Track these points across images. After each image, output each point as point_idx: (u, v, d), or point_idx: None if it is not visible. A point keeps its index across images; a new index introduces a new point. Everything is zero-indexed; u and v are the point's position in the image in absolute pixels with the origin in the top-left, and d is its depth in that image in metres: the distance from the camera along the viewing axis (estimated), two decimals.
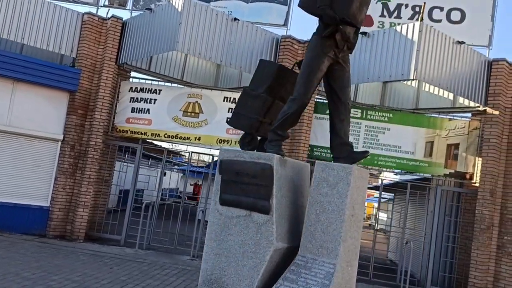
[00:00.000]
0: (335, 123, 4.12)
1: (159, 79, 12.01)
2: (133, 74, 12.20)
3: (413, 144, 10.60)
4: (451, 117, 10.85)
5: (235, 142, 10.77)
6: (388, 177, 14.01)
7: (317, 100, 11.02)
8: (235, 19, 10.09)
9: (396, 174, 14.01)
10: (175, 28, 9.43)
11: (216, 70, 13.02)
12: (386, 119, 10.76)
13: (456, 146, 10.52)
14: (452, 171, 10.51)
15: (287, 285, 3.33)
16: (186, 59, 12.64)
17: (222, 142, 10.91)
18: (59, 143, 10.85)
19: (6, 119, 10.38)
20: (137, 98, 11.34)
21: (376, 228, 11.63)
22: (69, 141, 10.84)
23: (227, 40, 9.95)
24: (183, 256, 10.38)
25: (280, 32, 11.46)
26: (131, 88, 11.44)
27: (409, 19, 11.34)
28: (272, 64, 4.60)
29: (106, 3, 12.03)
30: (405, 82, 12.33)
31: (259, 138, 4.47)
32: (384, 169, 11.17)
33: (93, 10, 11.96)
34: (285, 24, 11.55)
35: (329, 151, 10.06)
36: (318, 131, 10.81)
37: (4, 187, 10.28)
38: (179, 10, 9.36)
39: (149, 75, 12.20)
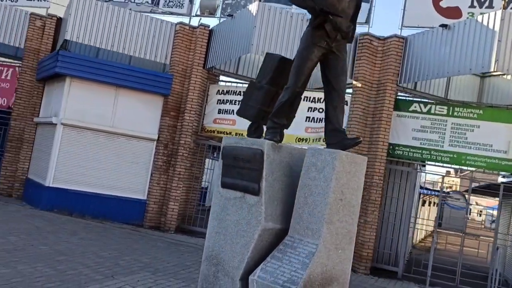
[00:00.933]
0: (328, 110, 4.22)
1: (245, 81, 12.58)
2: (222, 77, 12.94)
3: (506, 143, 9.75)
4: None
5: (313, 140, 10.91)
6: (481, 178, 12.91)
7: (398, 97, 10.68)
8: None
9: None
10: (250, 32, 9.89)
11: None
12: (475, 116, 10.05)
13: None
14: None
15: (273, 262, 3.53)
16: None
17: (301, 140, 11.09)
18: (155, 142, 11.95)
19: (110, 121, 11.73)
20: (223, 100, 12.03)
21: (464, 231, 10.88)
22: (163, 141, 11.88)
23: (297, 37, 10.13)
24: None
25: (363, 29, 11.33)
26: (218, 90, 12.17)
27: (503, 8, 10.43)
28: (275, 57, 4.77)
29: (198, 12, 12.94)
30: (504, 76, 11.39)
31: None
32: (474, 169, 10.40)
33: (186, 20, 12.96)
34: (367, 21, 11.37)
35: (411, 149, 9.77)
36: (400, 129, 10.47)
37: (107, 181, 11.62)
38: (254, 14, 9.80)
39: (236, 78, 12.85)
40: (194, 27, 12.07)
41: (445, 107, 10.27)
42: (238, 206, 4.05)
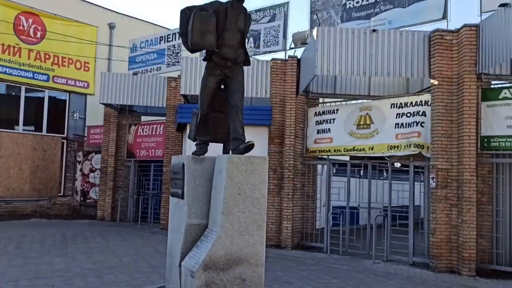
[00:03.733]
0: (229, 123, 5.02)
1: (342, 100, 13.19)
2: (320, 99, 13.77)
3: None
4: None
5: (404, 146, 10.94)
6: None
7: (485, 87, 10.09)
8: (374, 30, 10.57)
9: None
10: (314, 56, 10.70)
11: (385, 81, 13.29)
12: None
13: None
14: None
15: (195, 250, 4.51)
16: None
17: (393, 148, 11.19)
18: None
19: None
20: (320, 121, 12.84)
21: None
22: (272, 166, 13.16)
23: (368, 52, 10.51)
24: (370, 260, 11.01)
25: (441, 25, 11.07)
26: (315, 112, 13.03)
27: None
28: None
29: (292, 45, 14.13)
30: None
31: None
32: None
33: (280, 55, 14.30)
34: (444, 17, 11.05)
35: (508, 139, 9.33)
36: (492, 119, 9.86)
37: None
38: (315, 38, 10.61)
39: (335, 97, 13.54)
40: (285, 60, 13.29)
41: None
42: (178, 209, 5.17)
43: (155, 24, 23.39)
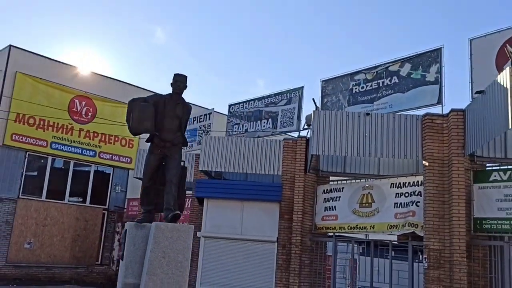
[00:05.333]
0: (164, 195, 5.78)
1: (351, 178, 13.62)
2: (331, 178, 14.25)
3: None
4: None
5: (402, 226, 11.13)
6: None
7: (477, 169, 10.27)
8: (367, 114, 11.23)
9: None
10: (313, 136, 11.43)
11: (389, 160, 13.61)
12: None
13: None
14: None
15: None
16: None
17: (392, 227, 11.39)
18: (276, 243, 13.72)
19: (239, 229, 14.15)
20: (328, 198, 13.28)
21: None
22: (281, 241, 13.57)
23: (361, 134, 11.11)
24: None
25: (437, 110, 11.54)
26: (324, 190, 13.52)
27: None
28: None
29: (305, 126, 14.96)
30: None
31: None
32: None
33: (295, 135, 15.11)
34: (439, 102, 11.52)
35: (500, 222, 9.44)
36: (484, 201, 9.96)
37: (239, 281, 13.69)
38: (311, 121, 11.39)
39: (345, 176, 13.99)
40: (295, 139, 14.09)
41: None
42: (122, 269, 5.82)
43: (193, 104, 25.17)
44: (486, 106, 8.99)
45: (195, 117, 19.58)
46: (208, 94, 62.21)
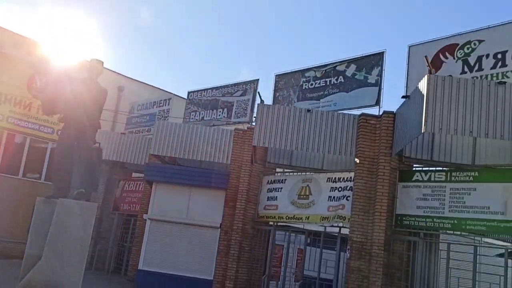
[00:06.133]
0: (74, 173, 6.14)
1: (295, 171, 14.19)
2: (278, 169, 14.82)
3: (503, 203, 9.14)
4: None
5: (332, 218, 11.76)
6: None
7: (402, 169, 10.95)
8: (308, 110, 11.78)
9: None
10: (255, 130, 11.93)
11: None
12: (471, 178, 9.74)
13: None
14: None
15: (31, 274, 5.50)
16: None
17: (324, 219, 12.02)
18: (219, 229, 14.23)
19: (186, 214, 14.60)
20: (271, 189, 13.83)
21: None
22: (223, 227, 14.09)
23: (301, 129, 11.66)
24: None
25: (373, 111, 12.16)
26: (268, 181, 14.06)
27: (491, 68, 10.19)
28: None
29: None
30: None
31: None
32: (474, 234, 9.68)
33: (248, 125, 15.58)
34: (377, 103, 12.17)
35: (417, 219, 10.03)
36: (406, 199, 10.65)
37: (180, 264, 14.17)
38: (258, 113, 11.88)
39: (291, 168, 14.56)
40: (245, 130, 14.56)
41: (443, 173, 10.20)
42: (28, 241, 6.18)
43: (157, 88, 25.27)
44: (409, 110, 9.64)
45: (155, 102, 19.85)
46: (192, 79, 62.07)
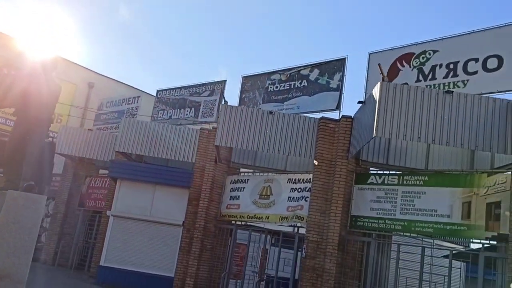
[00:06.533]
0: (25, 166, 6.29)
1: (259, 171, 14.45)
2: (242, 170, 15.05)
3: (449, 207, 9.59)
4: (490, 172, 9.35)
5: (291, 217, 12.05)
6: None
7: (359, 172, 11.32)
8: (270, 112, 12.06)
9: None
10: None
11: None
12: (421, 182, 10.16)
13: (497, 204, 8.95)
14: (495, 233, 8.87)
15: None
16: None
17: (283, 219, 12.30)
18: (181, 227, 14.38)
19: (149, 211, 14.71)
20: (234, 188, 14.06)
21: None
22: (186, 225, 14.24)
23: (263, 131, 11.93)
24: None
25: (335, 115, 12.53)
26: (231, 180, 14.28)
27: (444, 77, 10.68)
28: None
29: None
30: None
31: None
32: (422, 236, 10.13)
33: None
34: (338, 107, 12.56)
35: (371, 220, 10.35)
36: (361, 201, 11.01)
37: (142, 260, 14.27)
38: (221, 113, 12.10)
39: (254, 168, 14.81)
40: (210, 130, 14.76)
41: (396, 177, 10.59)
42: None
43: (127, 85, 25.26)
44: (364, 115, 10.02)
45: (124, 99, 19.86)
46: (170, 77, 61.71)
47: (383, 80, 9.07)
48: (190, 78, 72.35)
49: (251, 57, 64.28)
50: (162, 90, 18.32)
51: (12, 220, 5.57)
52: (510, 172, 9.01)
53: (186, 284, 13.51)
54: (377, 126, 8.83)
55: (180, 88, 17.58)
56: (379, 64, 9.40)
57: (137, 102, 19.25)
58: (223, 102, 12.58)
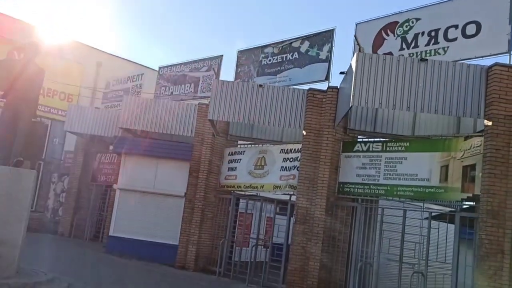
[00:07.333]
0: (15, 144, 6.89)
1: (254, 143, 14.96)
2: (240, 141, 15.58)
3: (428, 171, 9.97)
4: (467, 136, 9.66)
5: (284, 186, 12.60)
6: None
7: (346, 140, 11.72)
8: (260, 85, 12.46)
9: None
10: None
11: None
12: (403, 148, 10.54)
13: (473, 167, 9.30)
14: (470, 195, 9.26)
15: None
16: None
17: (276, 188, 12.86)
18: (184, 198, 15.08)
19: (153, 184, 15.42)
20: (232, 160, 14.63)
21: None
22: (188, 196, 14.93)
23: (254, 104, 12.36)
24: (239, 283, 12.51)
25: (324, 86, 12.84)
26: (229, 152, 14.84)
27: (426, 45, 10.87)
28: None
29: None
30: None
31: None
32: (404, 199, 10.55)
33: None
34: (327, 78, 12.86)
35: (357, 186, 10.83)
36: (347, 168, 11.45)
37: (148, 230, 15.06)
38: (213, 88, 12.56)
39: (252, 140, 15.32)
40: (207, 105, 15.21)
41: (380, 144, 10.98)
42: None
43: (134, 62, 25.80)
44: (346, 85, 10.36)
45: (129, 77, 20.42)
46: (187, 50, 62.10)
47: (359, 50, 9.37)
48: (206, 51, 72.42)
49: (251, 31, 63.96)
50: (163, 67, 18.80)
51: (3, 193, 6.23)
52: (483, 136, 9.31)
53: (189, 251, 14.29)
54: (353, 96, 9.19)
55: (181, 64, 18.03)
56: (355, 36, 9.69)
57: (140, 80, 19.79)
58: (214, 78, 13.00)
